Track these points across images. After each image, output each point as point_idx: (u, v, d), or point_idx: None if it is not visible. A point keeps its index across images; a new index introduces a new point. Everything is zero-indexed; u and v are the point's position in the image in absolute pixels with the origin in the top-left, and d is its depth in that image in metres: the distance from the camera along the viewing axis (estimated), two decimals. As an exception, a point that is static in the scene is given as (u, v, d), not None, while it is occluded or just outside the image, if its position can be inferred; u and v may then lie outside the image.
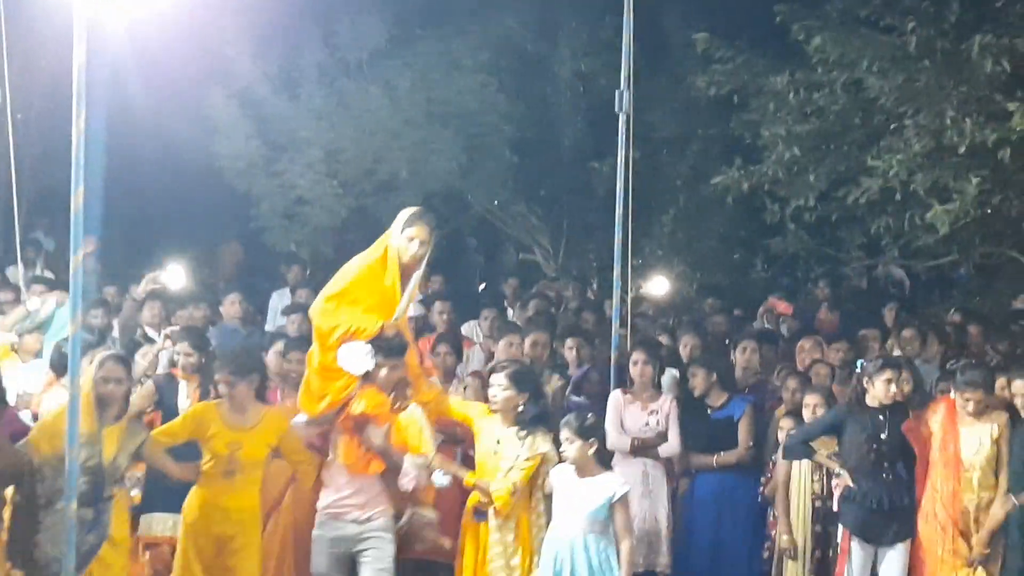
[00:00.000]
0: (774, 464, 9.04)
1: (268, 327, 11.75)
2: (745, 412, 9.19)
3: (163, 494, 8.20)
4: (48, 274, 13.77)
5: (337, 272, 7.43)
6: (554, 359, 10.32)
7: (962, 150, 11.20)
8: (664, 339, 11.08)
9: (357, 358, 7.11)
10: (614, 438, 9.06)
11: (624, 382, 9.37)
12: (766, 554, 9.11)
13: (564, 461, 7.42)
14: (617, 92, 9.58)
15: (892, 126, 12.01)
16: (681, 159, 16.53)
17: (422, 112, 16.00)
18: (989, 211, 11.66)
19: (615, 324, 9.74)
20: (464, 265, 18.52)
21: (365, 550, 7.33)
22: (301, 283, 13.38)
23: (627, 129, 9.48)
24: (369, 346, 7.14)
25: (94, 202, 6.64)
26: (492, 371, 7.97)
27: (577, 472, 7.35)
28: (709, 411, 9.26)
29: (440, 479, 7.46)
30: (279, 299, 13.34)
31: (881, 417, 8.25)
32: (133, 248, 16.11)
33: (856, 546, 8.25)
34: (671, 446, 9.10)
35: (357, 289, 7.22)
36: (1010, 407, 8.20)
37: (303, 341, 8.32)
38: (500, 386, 7.68)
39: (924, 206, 11.68)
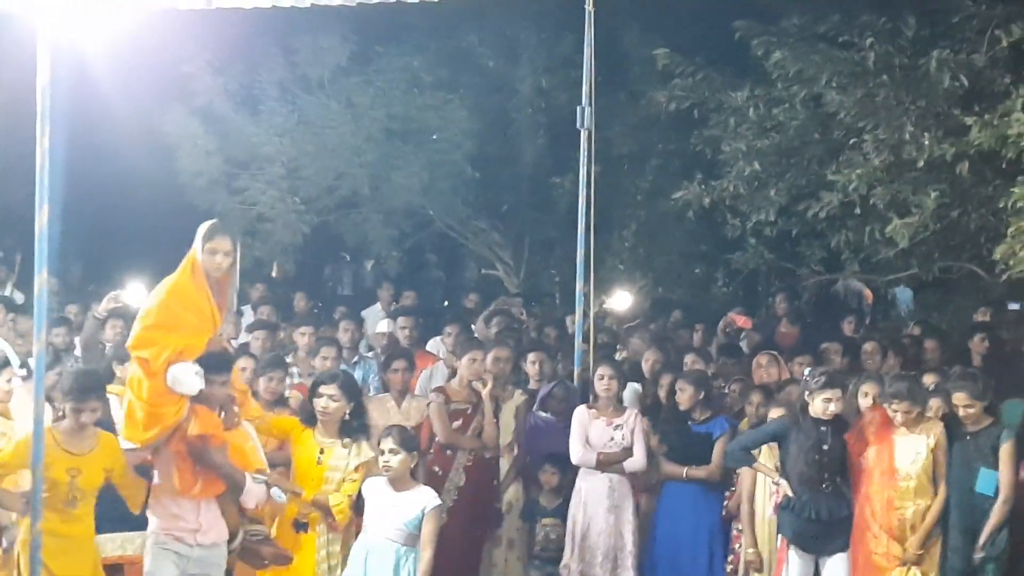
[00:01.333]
0: (738, 478, 9.09)
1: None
2: (725, 432, 9.23)
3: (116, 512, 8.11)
4: (17, 295, 13.69)
5: (153, 294, 7.19)
6: (517, 374, 10.35)
7: (921, 164, 11.32)
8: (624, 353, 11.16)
9: (188, 378, 6.91)
10: (579, 453, 9.09)
11: (588, 397, 9.40)
12: (730, 568, 9.15)
13: (387, 471, 7.62)
14: (578, 108, 9.63)
15: (851, 141, 12.12)
16: (642, 174, 16.60)
17: (383, 129, 16.00)
18: (948, 225, 11.78)
19: (578, 339, 9.77)
20: (426, 281, 18.53)
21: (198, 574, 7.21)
22: (263, 300, 13.33)
23: (588, 145, 9.52)
24: (197, 365, 6.98)
25: (56, 220, 6.61)
26: (320, 382, 7.93)
27: (392, 484, 7.59)
28: (690, 423, 9.31)
29: (279, 495, 7.48)
30: (240, 318, 13.29)
31: (823, 428, 8.24)
32: (95, 266, 16.04)
33: (793, 555, 8.30)
34: (636, 461, 9.16)
35: (174, 310, 7.01)
36: (953, 417, 8.28)
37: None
38: (331, 396, 7.76)
39: (884, 220, 11.78)
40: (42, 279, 6.46)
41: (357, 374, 10.81)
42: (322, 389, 7.81)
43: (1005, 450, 8.19)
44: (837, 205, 12.07)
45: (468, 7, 12.21)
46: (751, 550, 8.82)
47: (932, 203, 11.24)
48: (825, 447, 8.20)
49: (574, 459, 9.21)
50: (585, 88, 9.51)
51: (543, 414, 9.69)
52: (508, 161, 16.95)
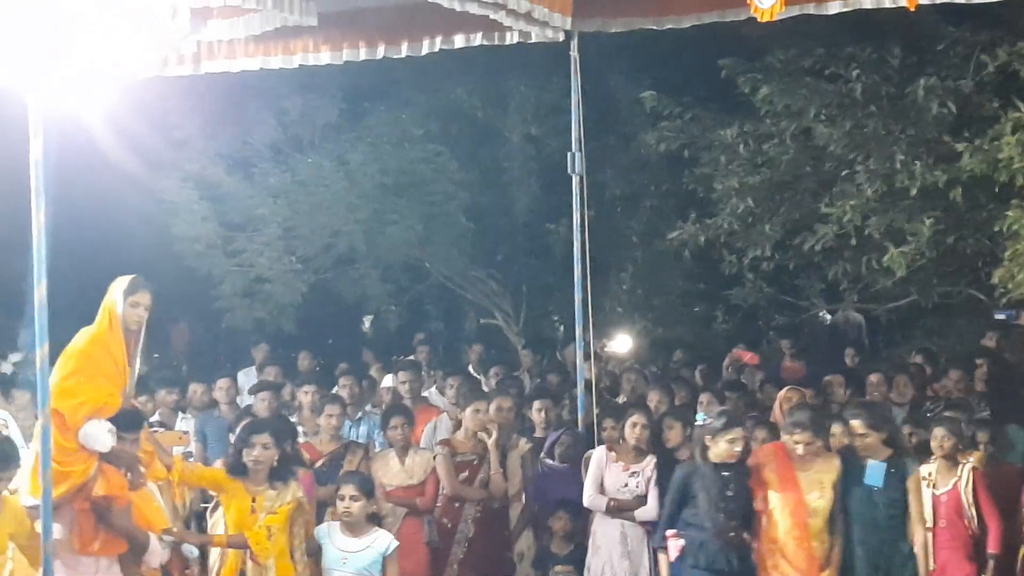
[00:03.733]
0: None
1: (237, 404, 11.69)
2: None
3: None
4: (5, 365, 13.72)
5: (67, 350, 7.11)
6: (521, 422, 10.33)
7: (914, 192, 11.37)
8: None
9: (102, 435, 6.87)
10: (591, 497, 9.06)
11: (592, 443, 9.37)
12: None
13: (347, 517, 7.73)
14: (568, 154, 9.66)
15: (843, 172, 12.18)
16: (636, 216, 16.63)
17: (376, 184, 16.04)
18: (945, 251, 11.80)
19: (580, 384, 9.77)
20: (426, 333, 18.51)
21: None
22: (267, 362, 13.33)
23: (580, 190, 9.55)
24: (109, 423, 6.96)
25: (55, 293, 6.63)
26: (253, 431, 7.86)
27: (347, 529, 7.71)
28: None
29: (190, 551, 7.55)
30: (245, 379, 13.29)
31: (725, 473, 7.93)
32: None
33: None
34: (648, 511, 9.05)
35: (94, 359, 7.01)
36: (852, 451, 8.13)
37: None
38: (264, 445, 7.71)
39: (880, 249, 11.81)
40: (43, 353, 6.46)
41: (362, 430, 10.81)
42: (255, 439, 7.73)
43: (913, 480, 8.09)
44: (832, 237, 12.11)
45: (454, 60, 12.26)
46: None
47: (927, 230, 11.28)
48: (729, 493, 7.89)
49: (586, 502, 9.17)
50: (574, 133, 9.55)
51: (551, 461, 9.66)
52: (502, 210, 17.00)
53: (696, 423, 8.36)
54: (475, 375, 12.97)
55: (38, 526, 6.85)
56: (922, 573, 8.06)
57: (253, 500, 7.61)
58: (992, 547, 8.43)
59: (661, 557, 8.17)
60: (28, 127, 6.46)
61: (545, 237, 16.33)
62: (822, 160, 12.54)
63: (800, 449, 7.94)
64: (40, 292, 6.46)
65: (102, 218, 14.95)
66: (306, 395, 10.90)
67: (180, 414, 11.50)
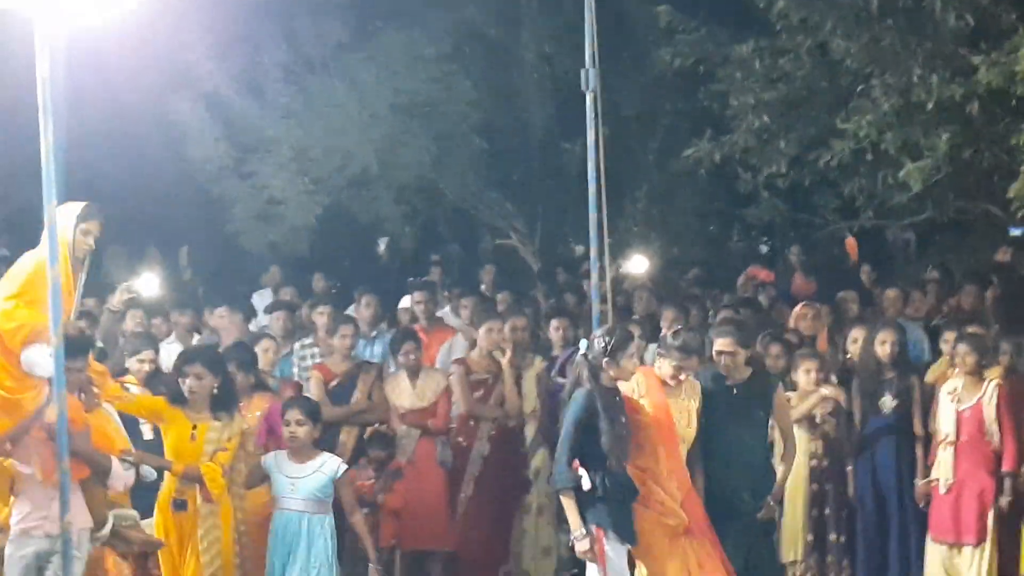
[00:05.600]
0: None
1: (252, 327, 11.71)
2: None
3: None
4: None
5: (11, 271, 7.04)
6: (536, 342, 10.35)
7: (930, 107, 11.25)
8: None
9: (45, 360, 6.68)
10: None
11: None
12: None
13: (293, 442, 7.64)
14: (582, 71, 9.58)
15: (859, 87, 12.04)
16: (651, 134, 16.53)
17: (388, 105, 15.94)
18: (961, 166, 11.72)
19: (595, 303, 9.75)
20: (441, 255, 18.50)
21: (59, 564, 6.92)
22: (281, 283, 13.36)
23: (595, 107, 9.48)
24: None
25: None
26: (186, 361, 7.77)
27: (294, 456, 7.64)
28: None
29: (149, 473, 7.47)
30: (260, 300, 13.33)
31: (618, 399, 7.49)
32: (110, 259, 16.05)
33: (611, 545, 7.33)
34: None
35: (32, 288, 6.82)
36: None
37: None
38: (197, 374, 7.62)
39: (896, 165, 11.73)
40: (55, 273, 6.45)
41: (376, 349, 10.84)
42: (188, 368, 7.69)
43: (780, 398, 8.03)
44: (848, 153, 12.01)
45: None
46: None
47: (944, 145, 11.18)
48: (623, 419, 7.45)
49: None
50: (588, 50, 9.46)
51: (562, 379, 9.70)
52: (516, 130, 16.91)
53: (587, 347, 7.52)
54: (489, 295, 12.99)
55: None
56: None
57: (194, 428, 7.53)
58: (1007, 465, 8.47)
59: (564, 499, 7.38)
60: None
61: (560, 157, 16.25)
62: (838, 75, 12.41)
63: (671, 374, 7.66)
64: (50, 213, 6.44)
65: (113, 141, 14.91)
66: (321, 316, 10.93)
67: (195, 335, 11.53)
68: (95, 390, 7.24)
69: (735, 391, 7.87)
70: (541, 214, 17.44)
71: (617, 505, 7.34)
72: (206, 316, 11.91)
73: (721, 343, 7.88)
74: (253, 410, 8.78)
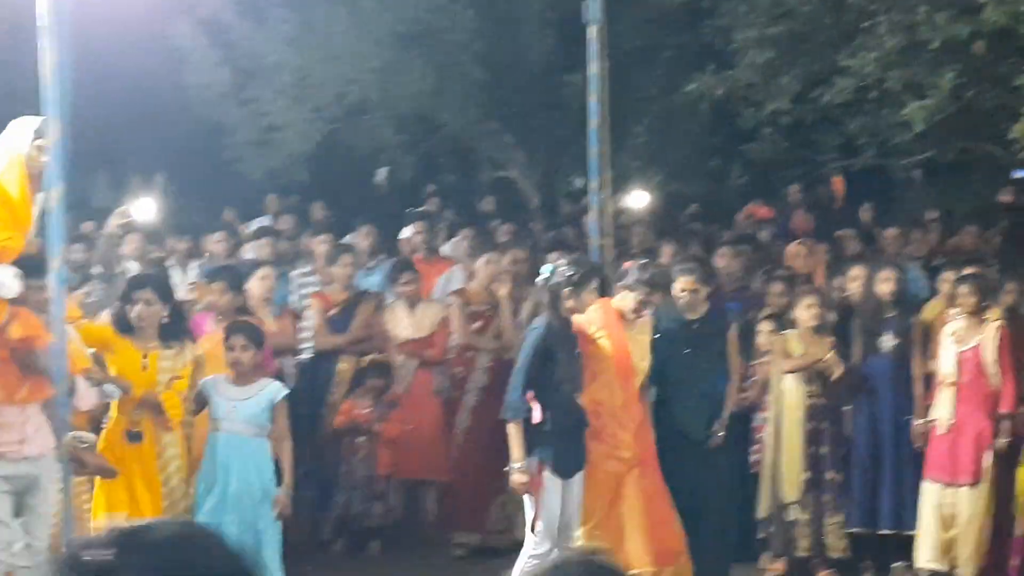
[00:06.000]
0: (756, 369, 9.09)
1: (250, 255, 11.70)
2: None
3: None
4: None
5: None
6: (534, 275, 10.32)
7: (935, 45, 11.19)
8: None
9: (7, 279, 6.59)
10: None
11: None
12: (754, 458, 9.18)
13: (237, 367, 7.50)
14: (583, 2, 9.50)
15: (864, 24, 11.97)
16: (653, 68, 16.43)
17: (390, 33, 15.83)
18: (964, 105, 11.66)
19: (594, 237, 9.73)
20: (439, 186, 18.46)
21: (29, 490, 6.84)
22: (280, 211, 13.33)
23: (597, 39, 9.40)
24: (15, 268, 6.69)
25: (66, 138, 6.55)
26: (134, 287, 7.51)
27: (235, 379, 7.44)
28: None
29: (111, 392, 7.33)
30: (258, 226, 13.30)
31: (572, 331, 7.34)
32: (109, 183, 16.01)
33: (551, 480, 7.20)
34: None
35: None
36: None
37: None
38: (147, 300, 7.41)
39: (899, 103, 11.68)
40: (56, 194, 6.41)
41: (375, 279, 10.83)
42: (137, 294, 7.43)
43: (732, 335, 8.13)
44: (852, 90, 11.97)
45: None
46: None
47: (948, 84, 11.13)
48: (576, 351, 7.33)
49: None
50: (591, -19, 9.36)
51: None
52: (517, 61, 16.79)
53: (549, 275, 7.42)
54: (488, 227, 12.97)
55: None
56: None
57: (145, 357, 7.33)
58: (1005, 407, 8.48)
59: (512, 429, 7.24)
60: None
61: (560, 89, 16.15)
62: (843, 11, 12.33)
63: (634, 307, 7.59)
64: (54, 131, 6.40)
65: (113, 65, 14.79)
66: (320, 245, 10.91)
67: (192, 261, 11.52)
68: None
69: (694, 326, 7.97)
70: (541, 146, 17.38)
71: (565, 439, 7.24)
72: (203, 242, 11.88)
73: (684, 281, 7.92)
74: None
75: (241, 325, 7.79)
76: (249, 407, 7.41)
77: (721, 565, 8.13)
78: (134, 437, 7.25)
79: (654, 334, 7.91)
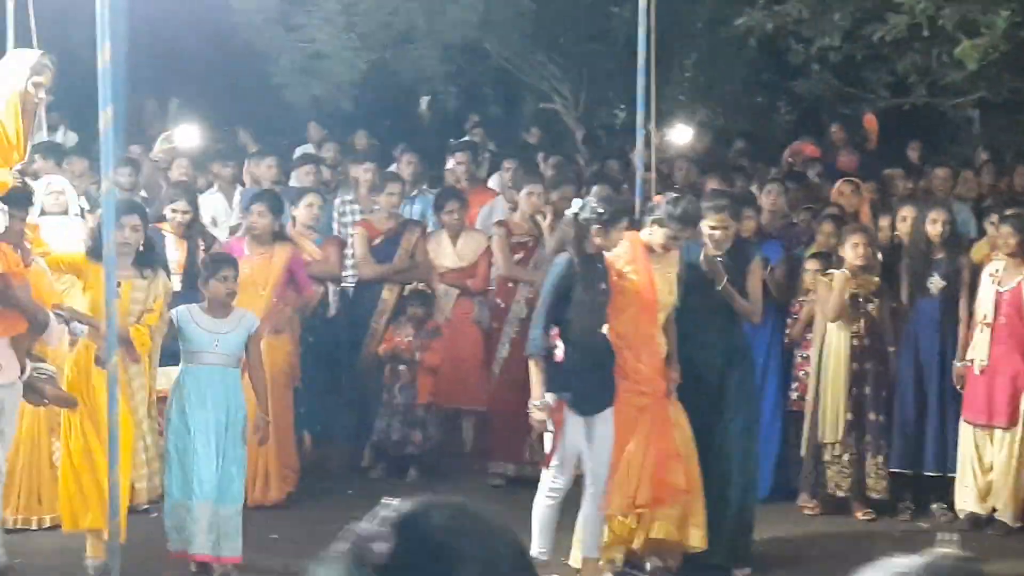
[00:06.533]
0: (801, 306, 9.06)
1: (292, 183, 11.71)
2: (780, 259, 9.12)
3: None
4: (70, 135, 13.78)
5: None
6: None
7: (991, -17, 11.02)
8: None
9: None
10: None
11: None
12: (795, 395, 9.17)
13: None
14: (634, -67, 9.39)
15: (919, -41, 11.77)
16: (701, 2, 16.25)
17: (437, -40, 15.72)
18: (1018, 45, 11.49)
19: (639, 170, 9.69)
20: (482, 116, 18.38)
21: None
22: (324, 139, 13.32)
23: (649, -29, 9.29)
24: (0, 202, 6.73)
25: (117, 61, 6.56)
26: (124, 211, 7.47)
27: (210, 310, 7.38)
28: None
29: (78, 329, 7.30)
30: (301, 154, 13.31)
31: (600, 266, 7.21)
32: (154, 109, 16.02)
33: (571, 419, 7.14)
34: None
35: None
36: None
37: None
38: (132, 227, 7.47)
39: (952, 42, 11.51)
40: (107, 116, 6.42)
41: (416, 208, 10.83)
42: (125, 220, 7.46)
43: (756, 264, 7.93)
44: (904, 28, 11.77)
45: None
46: None
47: (1002, 23, 10.95)
48: (603, 286, 7.22)
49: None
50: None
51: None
52: (566, -9, 16.64)
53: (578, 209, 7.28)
54: (531, 159, 12.92)
55: None
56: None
57: (118, 285, 7.26)
58: None
59: (532, 365, 7.21)
60: None
61: (608, 20, 16.01)
62: (898, -53, 12.15)
63: (663, 243, 7.43)
64: (104, 55, 6.40)
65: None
66: (364, 173, 10.91)
67: (238, 187, 11.54)
68: (28, 245, 7.08)
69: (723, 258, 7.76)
70: (586, 78, 17.26)
71: (587, 376, 7.15)
72: (248, 167, 11.89)
73: (716, 219, 7.70)
74: (276, 260, 8.80)
75: (228, 258, 7.75)
76: (233, 339, 7.41)
77: (743, 507, 7.82)
78: (103, 363, 7.19)
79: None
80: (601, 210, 7.10)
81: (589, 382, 7.16)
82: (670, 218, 7.40)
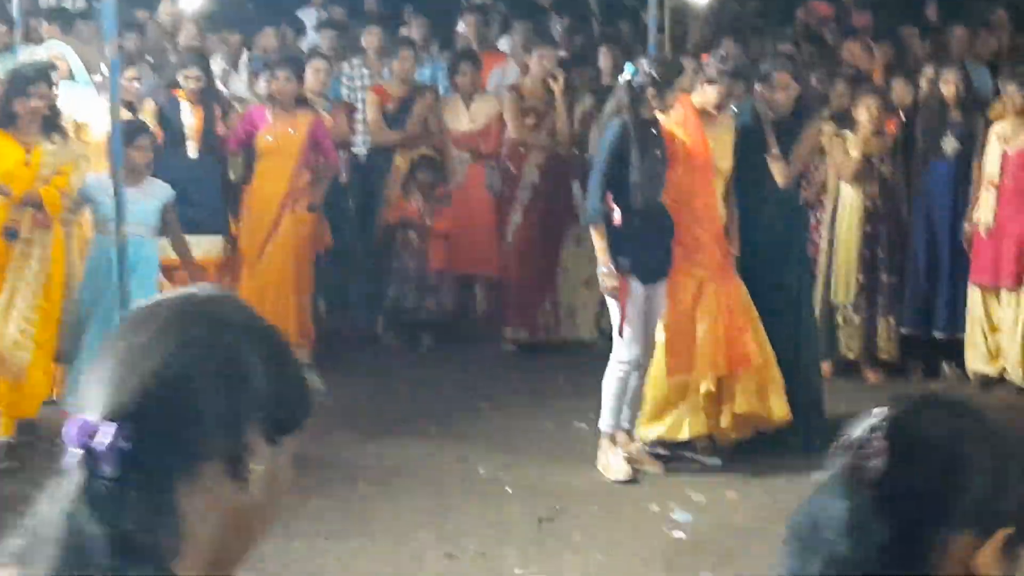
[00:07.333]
0: (815, 168, 9.00)
1: (303, 46, 11.56)
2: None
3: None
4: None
5: None
6: (588, 77, 10.12)
7: None
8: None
9: None
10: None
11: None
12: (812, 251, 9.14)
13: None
14: None
15: None
16: None
17: None
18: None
19: (651, 30, 9.55)
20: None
21: None
22: (331, 1, 13.09)
23: None
24: None
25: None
26: (29, 80, 7.27)
27: (126, 179, 7.18)
28: None
29: None
30: (306, 18, 13.10)
31: (654, 131, 6.96)
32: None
33: (637, 288, 6.97)
34: None
35: None
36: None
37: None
38: (41, 95, 7.23)
39: None
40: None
41: (426, 73, 10.71)
42: (32, 88, 7.24)
43: (813, 128, 7.70)
44: None
45: None
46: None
47: None
48: (659, 152, 6.96)
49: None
50: None
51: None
52: None
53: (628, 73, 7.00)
54: (543, 21, 12.73)
55: None
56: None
57: (28, 152, 7.20)
58: None
59: (594, 233, 7.03)
60: None
61: None
62: None
63: (715, 102, 7.24)
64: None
65: None
66: (371, 36, 10.76)
67: (245, 51, 11.38)
68: None
69: (779, 125, 7.52)
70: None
71: (645, 243, 6.98)
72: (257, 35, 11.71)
73: (781, 77, 7.45)
74: (298, 126, 8.76)
75: (143, 126, 7.72)
76: (147, 207, 7.39)
77: (809, 380, 7.66)
78: (11, 235, 7.15)
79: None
80: (655, 73, 6.88)
81: (648, 249, 6.99)
82: (721, 75, 7.27)
